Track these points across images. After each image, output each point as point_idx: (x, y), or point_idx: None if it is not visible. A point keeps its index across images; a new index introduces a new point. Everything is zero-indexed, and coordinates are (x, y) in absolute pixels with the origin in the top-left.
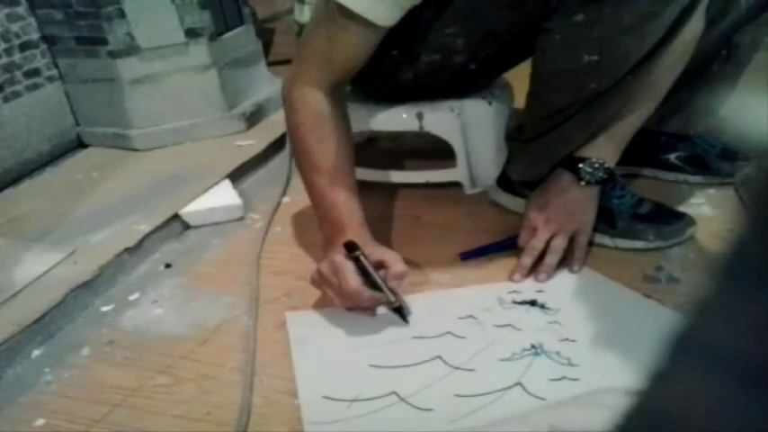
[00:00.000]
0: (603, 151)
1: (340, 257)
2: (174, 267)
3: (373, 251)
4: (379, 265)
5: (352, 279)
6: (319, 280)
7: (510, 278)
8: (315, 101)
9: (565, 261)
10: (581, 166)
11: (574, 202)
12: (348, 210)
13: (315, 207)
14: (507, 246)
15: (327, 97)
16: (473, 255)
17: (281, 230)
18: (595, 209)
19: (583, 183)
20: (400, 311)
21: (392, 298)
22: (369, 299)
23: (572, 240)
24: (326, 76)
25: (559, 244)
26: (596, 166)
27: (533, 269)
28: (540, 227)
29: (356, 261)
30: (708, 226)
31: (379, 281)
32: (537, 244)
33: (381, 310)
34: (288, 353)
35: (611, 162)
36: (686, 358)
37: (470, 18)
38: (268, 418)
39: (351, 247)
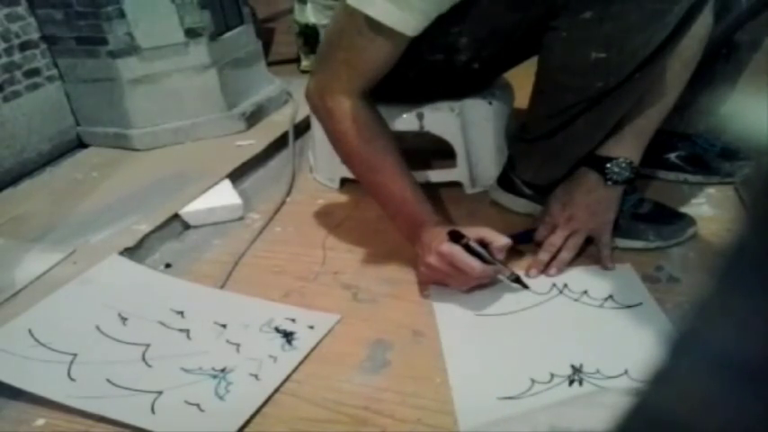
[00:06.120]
0: (630, 150)
1: (449, 246)
2: (174, 267)
3: (468, 232)
4: (481, 243)
5: (475, 262)
6: (431, 272)
7: (526, 273)
8: (352, 107)
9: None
10: (608, 165)
11: (598, 203)
12: (420, 203)
13: (382, 206)
14: (522, 239)
15: (361, 102)
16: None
17: (281, 230)
18: (618, 207)
19: (609, 183)
20: (519, 280)
21: (508, 271)
22: (493, 273)
23: (593, 239)
24: (356, 84)
25: (577, 242)
26: (623, 165)
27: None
28: (561, 224)
29: (466, 247)
30: (708, 226)
31: (490, 258)
32: (556, 241)
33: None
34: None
35: (636, 160)
36: (686, 358)
37: (475, 17)
38: (268, 418)
39: (457, 236)
